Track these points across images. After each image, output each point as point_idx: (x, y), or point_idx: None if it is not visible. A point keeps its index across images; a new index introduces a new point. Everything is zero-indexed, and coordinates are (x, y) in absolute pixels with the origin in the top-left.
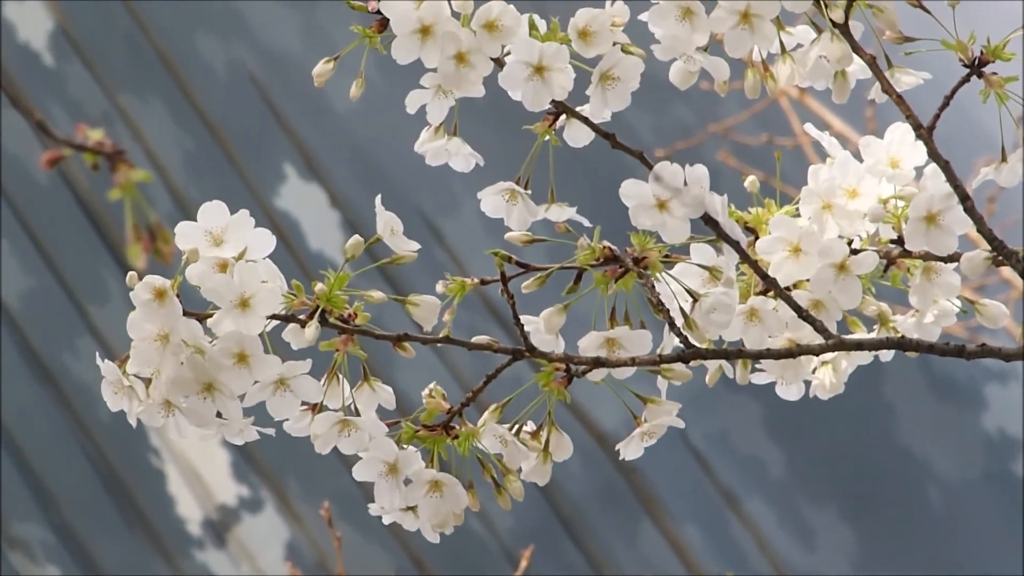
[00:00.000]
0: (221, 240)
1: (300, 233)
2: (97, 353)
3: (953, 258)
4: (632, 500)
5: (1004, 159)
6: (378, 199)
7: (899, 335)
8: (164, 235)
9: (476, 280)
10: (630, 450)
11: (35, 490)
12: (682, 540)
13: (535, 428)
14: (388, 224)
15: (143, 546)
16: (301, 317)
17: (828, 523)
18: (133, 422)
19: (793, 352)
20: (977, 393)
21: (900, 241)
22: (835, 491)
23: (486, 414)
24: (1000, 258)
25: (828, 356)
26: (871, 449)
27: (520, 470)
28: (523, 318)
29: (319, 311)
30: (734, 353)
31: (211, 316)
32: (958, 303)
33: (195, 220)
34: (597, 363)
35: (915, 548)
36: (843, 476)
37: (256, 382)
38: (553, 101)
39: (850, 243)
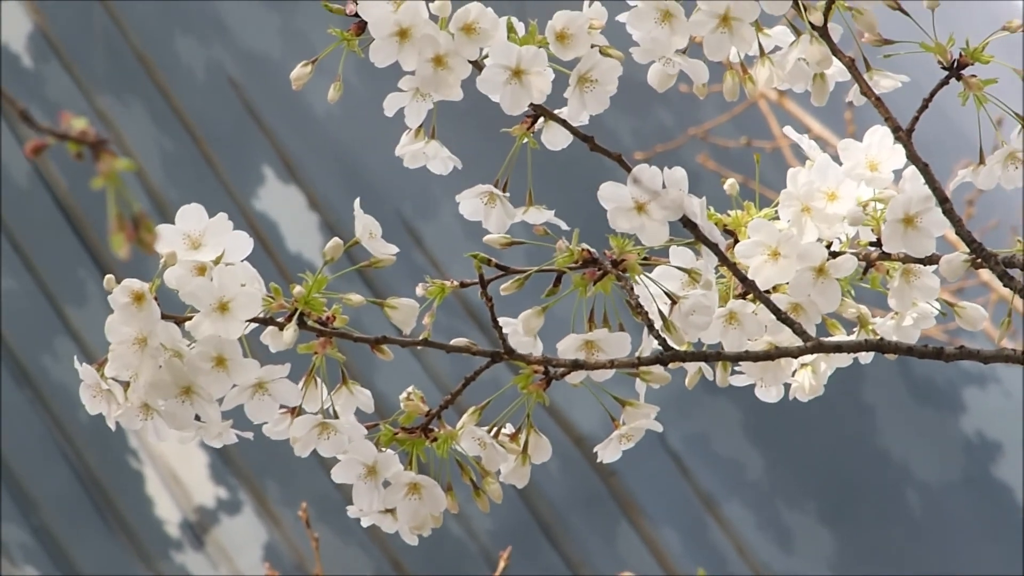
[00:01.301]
0: (199, 243)
1: (278, 235)
2: (75, 356)
3: (932, 260)
4: (611, 503)
5: (982, 161)
6: (357, 202)
7: (878, 337)
8: (147, 225)
9: (456, 283)
10: (608, 452)
11: (14, 492)
12: (660, 543)
13: (514, 430)
14: (367, 227)
15: (122, 547)
16: (279, 320)
17: (807, 526)
18: (112, 425)
19: (772, 354)
20: (956, 396)
21: (879, 244)
22: (814, 494)
23: (465, 416)
24: (979, 260)
25: (807, 358)
26: (850, 452)
27: (499, 472)
28: (502, 320)
29: (297, 314)
30: (713, 355)
31: (189, 319)
32: (937, 306)
33: (173, 223)
34: (576, 365)
35: (894, 551)
36: (822, 479)
37: (235, 385)
38: (531, 104)
39: (829, 246)
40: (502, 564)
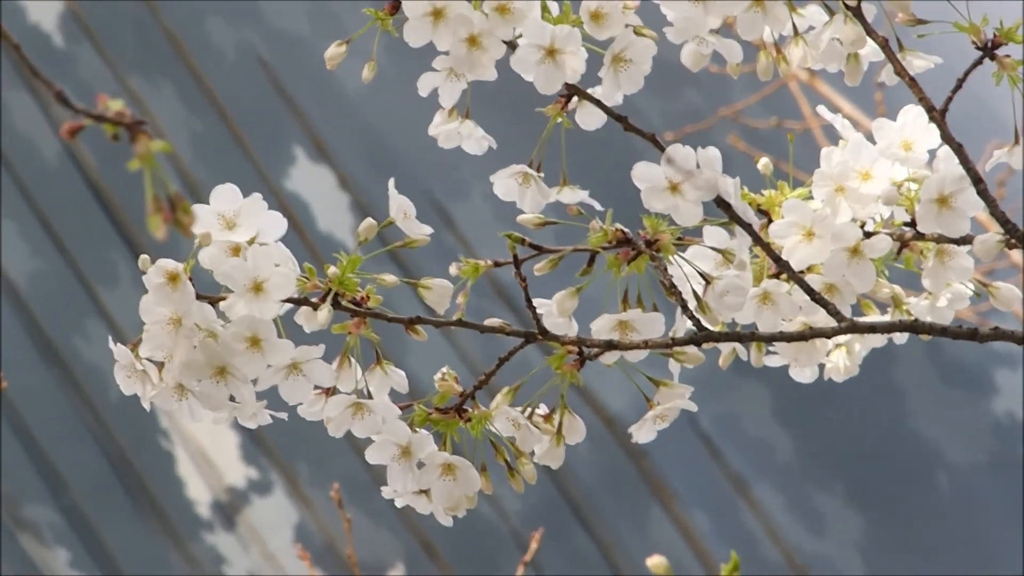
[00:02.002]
0: (234, 224)
1: (309, 215)
2: (110, 337)
3: (966, 241)
4: (641, 484)
5: (1017, 141)
6: (391, 183)
7: (912, 318)
8: (184, 206)
9: (489, 262)
10: (643, 433)
11: (44, 472)
12: (690, 525)
13: (547, 411)
14: (401, 208)
15: (152, 528)
16: (314, 300)
17: (837, 508)
18: (147, 406)
19: (805, 335)
20: (986, 377)
21: (913, 224)
22: (844, 476)
23: (499, 397)
24: (1012, 241)
25: (842, 339)
26: (880, 433)
27: (533, 453)
28: (535, 301)
29: (332, 294)
30: (747, 336)
31: (224, 299)
32: (971, 286)
33: (205, 202)
34: (609, 346)
35: (924, 532)
36: (852, 460)
37: (269, 366)
38: (565, 84)
39: (863, 226)
40: (533, 546)
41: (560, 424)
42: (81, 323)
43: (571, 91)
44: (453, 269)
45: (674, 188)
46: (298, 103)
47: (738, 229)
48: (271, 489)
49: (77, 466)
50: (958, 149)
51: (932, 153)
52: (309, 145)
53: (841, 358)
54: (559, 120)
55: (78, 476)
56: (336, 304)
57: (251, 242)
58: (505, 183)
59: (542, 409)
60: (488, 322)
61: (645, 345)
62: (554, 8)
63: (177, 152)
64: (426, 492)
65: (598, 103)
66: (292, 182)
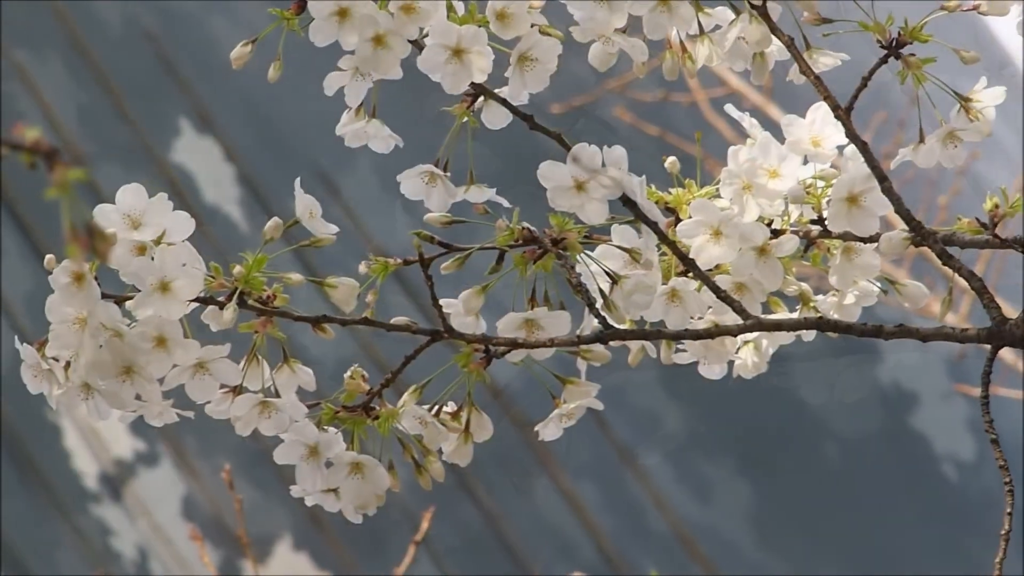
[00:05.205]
0: (139, 223)
1: (195, 187)
2: (15, 337)
3: (873, 238)
4: (528, 455)
5: (922, 140)
6: (297, 182)
7: (818, 315)
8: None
9: (399, 260)
10: (548, 431)
11: None
12: (578, 495)
13: (455, 409)
14: (307, 207)
15: (38, 501)
16: (220, 299)
17: (725, 478)
18: (54, 405)
19: (712, 332)
20: (873, 348)
21: (821, 221)
22: (732, 446)
23: (406, 395)
24: (918, 238)
25: (750, 336)
26: (768, 404)
27: (440, 451)
28: (442, 300)
29: (238, 293)
30: (653, 334)
31: (130, 299)
32: (879, 284)
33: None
34: (515, 344)
35: (812, 502)
36: (740, 431)
37: (175, 365)
38: (472, 83)
39: (770, 224)
40: (425, 524)
41: (467, 422)
42: None
43: (477, 90)
44: (362, 267)
45: (580, 187)
46: (184, 76)
47: (645, 228)
48: (158, 461)
49: None
50: (864, 148)
51: (841, 149)
52: (195, 117)
53: (749, 355)
54: (465, 119)
55: None
56: (242, 303)
57: (158, 242)
58: (412, 182)
59: (451, 406)
60: (395, 320)
61: (551, 343)
62: (460, 8)
63: (63, 125)
64: (335, 490)
65: (504, 102)
66: (178, 154)
